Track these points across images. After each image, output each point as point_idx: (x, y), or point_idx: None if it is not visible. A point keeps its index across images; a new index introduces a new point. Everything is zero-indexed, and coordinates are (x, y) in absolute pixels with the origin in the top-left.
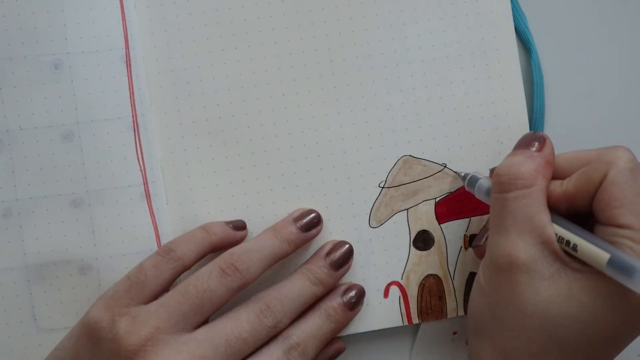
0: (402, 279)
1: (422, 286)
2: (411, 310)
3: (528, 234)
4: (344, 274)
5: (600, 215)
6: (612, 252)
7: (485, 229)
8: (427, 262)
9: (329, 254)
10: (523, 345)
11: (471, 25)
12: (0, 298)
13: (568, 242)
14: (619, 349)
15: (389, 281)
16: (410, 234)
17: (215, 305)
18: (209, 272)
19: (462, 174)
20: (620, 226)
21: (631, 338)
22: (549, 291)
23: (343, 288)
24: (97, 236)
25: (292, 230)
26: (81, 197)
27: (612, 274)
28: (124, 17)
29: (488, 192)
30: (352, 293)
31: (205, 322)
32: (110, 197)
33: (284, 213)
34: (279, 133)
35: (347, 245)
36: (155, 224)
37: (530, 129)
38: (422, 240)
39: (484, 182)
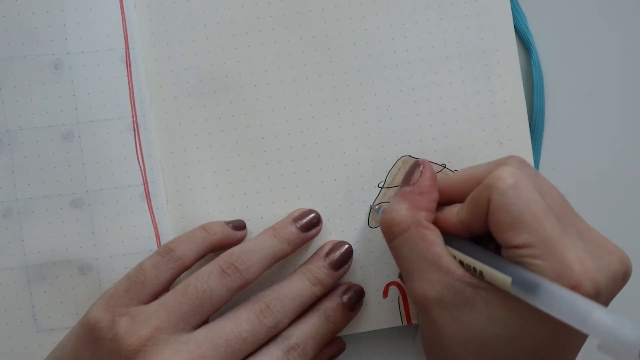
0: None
1: None
2: (410, 310)
3: (427, 271)
4: (343, 274)
5: (497, 239)
6: (513, 273)
7: None
8: None
9: (328, 254)
10: None
11: (471, 25)
12: (0, 298)
13: (474, 269)
14: (571, 351)
15: (388, 281)
16: None
17: (215, 305)
18: (209, 272)
19: (376, 206)
20: (517, 247)
21: (575, 344)
22: (471, 317)
23: (342, 289)
24: (97, 236)
25: (292, 230)
26: (81, 197)
27: (519, 295)
28: (124, 17)
29: None
30: (351, 293)
31: (205, 322)
32: (110, 197)
33: (284, 213)
34: (279, 133)
35: (347, 246)
36: (155, 224)
37: (530, 129)
38: None
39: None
